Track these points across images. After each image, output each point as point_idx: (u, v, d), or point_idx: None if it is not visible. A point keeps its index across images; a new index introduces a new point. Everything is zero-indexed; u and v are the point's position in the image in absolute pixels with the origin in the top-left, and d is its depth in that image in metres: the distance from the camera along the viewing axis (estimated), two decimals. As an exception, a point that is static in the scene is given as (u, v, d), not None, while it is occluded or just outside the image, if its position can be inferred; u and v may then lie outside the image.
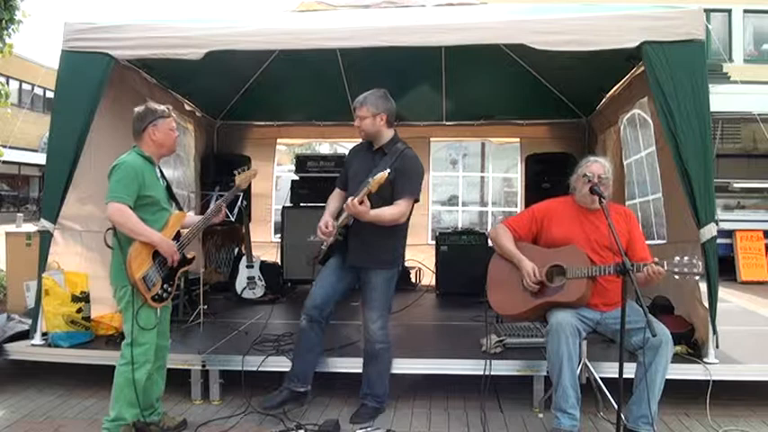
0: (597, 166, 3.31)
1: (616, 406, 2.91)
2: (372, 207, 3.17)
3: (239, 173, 3.50)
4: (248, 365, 3.72)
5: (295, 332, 3.84)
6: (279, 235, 6.74)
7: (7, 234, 5.77)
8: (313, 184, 6.41)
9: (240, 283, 5.94)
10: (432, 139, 7.69)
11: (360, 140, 3.60)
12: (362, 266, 3.41)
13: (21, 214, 18.64)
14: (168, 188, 3.27)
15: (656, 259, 3.01)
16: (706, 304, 3.65)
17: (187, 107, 6.37)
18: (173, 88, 5.76)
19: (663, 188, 4.54)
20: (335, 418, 3.38)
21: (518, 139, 7.56)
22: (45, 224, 3.99)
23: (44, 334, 4.00)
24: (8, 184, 25.20)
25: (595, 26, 3.72)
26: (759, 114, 5.43)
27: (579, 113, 6.94)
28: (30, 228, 6.33)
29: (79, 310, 4.03)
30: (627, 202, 5.58)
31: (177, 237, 3.17)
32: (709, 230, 3.59)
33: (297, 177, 6.75)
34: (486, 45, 3.93)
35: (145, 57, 4.18)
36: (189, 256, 3.23)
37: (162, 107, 3.16)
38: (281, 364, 3.68)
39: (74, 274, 4.10)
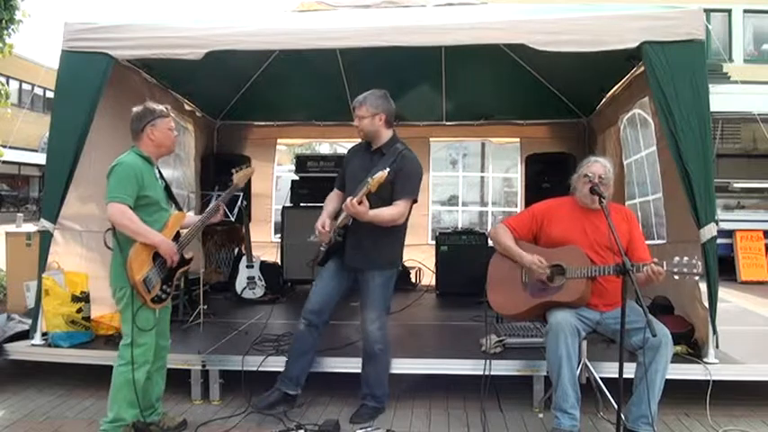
0: (598, 167, 3.31)
1: (616, 406, 2.91)
2: (371, 207, 3.17)
3: (237, 171, 3.50)
4: (248, 365, 3.72)
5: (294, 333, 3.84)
6: (279, 235, 6.74)
7: (7, 234, 5.77)
8: (313, 184, 6.41)
9: (240, 283, 5.95)
10: (432, 139, 7.69)
11: (359, 141, 3.60)
12: (361, 268, 3.41)
13: (21, 214, 18.61)
14: (167, 188, 3.26)
15: (656, 259, 3.01)
16: (706, 304, 3.65)
17: (187, 107, 6.37)
18: (173, 88, 5.76)
19: (663, 188, 4.54)
20: (335, 418, 3.38)
21: (518, 139, 7.56)
22: (45, 224, 3.99)
23: (44, 334, 4.00)
24: (8, 184, 25.19)
25: (595, 26, 3.72)
26: (759, 114, 5.43)
27: (579, 113, 6.94)
28: (30, 228, 6.33)
29: (79, 310, 4.03)
30: (627, 202, 5.58)
31: (177, 237, 3.17)
32: (710, 230, 3.59)
33: (297, 177, 6.75)
34: (487, 45, 3.94)
35: (145, 57, 4.18)
36: (187, 256, 3.23)
37: (160, 107, 3.15)
38: (281, 364, 3.67)
39: (74, 274, 4.10)
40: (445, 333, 4.89)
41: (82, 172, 4.03)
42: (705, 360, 3.61)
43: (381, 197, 3.24)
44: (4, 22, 7.42)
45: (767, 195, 10.59)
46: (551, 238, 3.34)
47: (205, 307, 4.73)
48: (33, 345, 3.98)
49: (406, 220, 3.43)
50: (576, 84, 5.97)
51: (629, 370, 3.05)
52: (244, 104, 6.98)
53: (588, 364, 3.42)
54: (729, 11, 16.74)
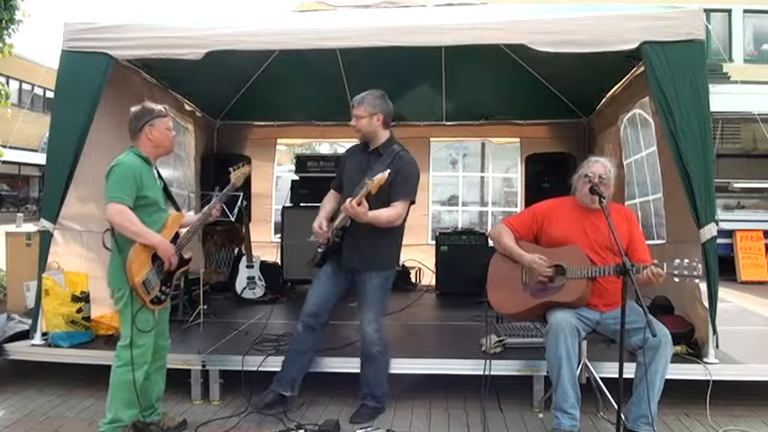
0: (599, 166, 3.31)
1: (616, 406, 2.91)
2: (369, 209, 3.16)
3: (234, 170, 3.49)
4: (248, 365, 3.72)
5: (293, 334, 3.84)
6: (279, 235, 6.74)
7: (7, 234, 5.77)
8: (313, 184, 6.40)
9: (240, 283, 5.95)
10: (432, 139, 7.70)
11: (359, 141, 3.60)
12: (358, 269, 3.41)
13: (21, 214, 18.60)
14: (165, 189, 3.25)
15: (656, 261, 3.01)
16: (706, 304, 3.65)
17: (187, 107, 6.37)
18: (173, 88, 5.76)
19: (664, 187, 4.54)
20: (335, 418, 3.38)
21: (518, 139, 7.56)
22: (45, 224, 3.99)
23: (44, 334, 4.00)
24: (8, 184, 25.19)
25: (595, 27, 3.72)
26: (759, 114, 5.43)
27: (579, 113, 6.94)
28: (30, 228, 6.33)
29: (79, 310, 4.03)
30: (627, 202, 5.58)
31: (175, 238, 3.16)
32: (710, 230, 3.59)
33: (297, 177, 6.75)
34: (487, 45, 3.94)
35: (145, 57, 4.18)
36: (186, 256, 3.22)
37: (159, 107, 3.14)
38: (281, 364, 3.68)
39: (74, 274, 4.10)
40: (445, 333, 4.89)
41: (82, 172, 4.03)
42: (705, 360, 3.61)
43: (379, 198, 3.24)
44: (4, 22, 7.41)
45: (767, 195, 10.58)
46: (552, 238, 3.33)
47: (205, 307, 4.73)
48: (33, 345, 3.98)
49: (404, 221, 3.42)
50: (576, 84, 5.97)
51: (629, 370, 3.05)
52: (244, 104, 6.98)
53: (588, 364, 3.42)
54: (729, 11, 16.74)
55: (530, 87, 6.30)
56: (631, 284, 2.82)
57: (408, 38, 3.83)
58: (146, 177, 3.03)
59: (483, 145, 12.51)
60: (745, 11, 16.90)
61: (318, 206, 3.62)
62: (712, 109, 3.66)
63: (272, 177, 7.83)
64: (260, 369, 3.70)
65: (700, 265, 2.89)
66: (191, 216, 3.41)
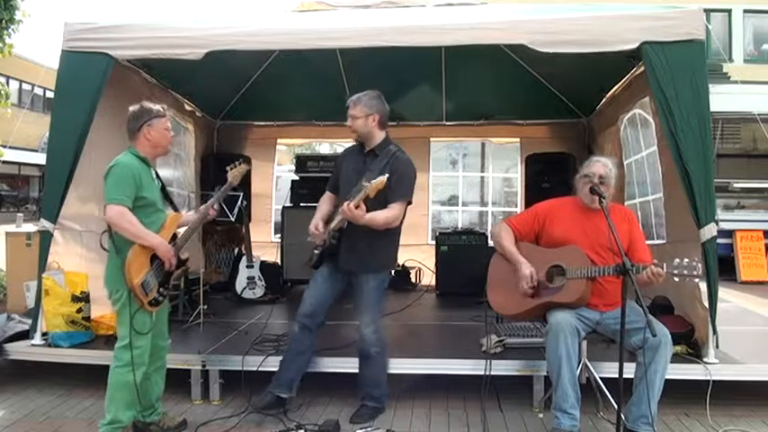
0: (599, 166, 3.31)
1: (616, 406, 2.91)
2: (366, 210, 3.16)
3: (231, 168, 3.49)
4: (248, 365, 3.72)
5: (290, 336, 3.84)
6: (279, 235, 6.74)
7: (7, 234, 5.77)
8: (313, 184, 6.39)
9: (240, 283, 5.95)
10: (432, 139, 7.70)
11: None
12: (355, 271, 3.40)
13: (21, 214, 18.59)
14: (163, 189, 3.24)
15: (656, 261, 3.01)
16: (706, 304, 3.65)
17: (187, 107, 6.37)
18: (173, 88, 5.76)
19: (664, 187, 4.54)
20: (335, 418, 3.38)
21: (518, 139, 7.56)
22: (45, 224, 3.99)
23: (44, 334, 4.00)
24: (8, 184, 25.18)
25: (595, 27, 3.72)
26: (759, 114, 5.43)
27: (579, 113, 6.94)
28: (30, 228, 6.33)
29: (79, 310, 4.03)
30: (627, 202, 5.58)
31: (173, 238, 3.16)
32: (710, 230, 3.59)
33: (297, 177, 6.75)
34: (487, 45, 3.94)
35: (145, 57, 4.18)
36: (183, 257, 3.22)
37: (157, 106, 3.13)
38: (279, 365, 3.67)
39: (74, 274, 4.10)
40: (445, 333, 4.89)
41: (82, 172, 4.03)
42: (705, 360, 3.61)
43: (376, 200, 3.22)
44: (4, 22, 7.41)
45: (767, 195, 10.58)
46: (552, 238, 3.34)
47: (205, 307, 4.73)
48: (33, 345, 3.98)
49: (401, 222, 3.42)
50: (576, 84, 5.97)
51: (629, 370, 3.05)
52: (244, 104, 6.98)
53: (588, 364, 3.42)
54: (729, 11, 16.74)
55: (530, 87, 6.29)
56: (631, 284, 2.82)
57: (408, 38, 3.83)
58: (144, 178, 3.02)
59: (483, 145, 12.50)
60: (745, 11, 16.90)
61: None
62: (712, 109, 3.66)
63: (272, 177, 7.83)
64: (260, 369, 3.70)
65: (699, 265, 2.89)
66: (189, 216, 3.41)
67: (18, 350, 3.98)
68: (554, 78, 6.16)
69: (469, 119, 7.39)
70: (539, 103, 6.72)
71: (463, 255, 6.23)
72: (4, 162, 9.68)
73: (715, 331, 3.66)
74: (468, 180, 14.65)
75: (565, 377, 3.04)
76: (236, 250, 6.73)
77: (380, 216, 3.25)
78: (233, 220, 5.88)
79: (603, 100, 6.11)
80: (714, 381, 3.49)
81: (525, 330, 4.13)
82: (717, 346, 3.69)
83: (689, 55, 3.62)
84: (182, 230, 3.27)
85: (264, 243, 7.21)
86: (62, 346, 3.93)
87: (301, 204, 6.48)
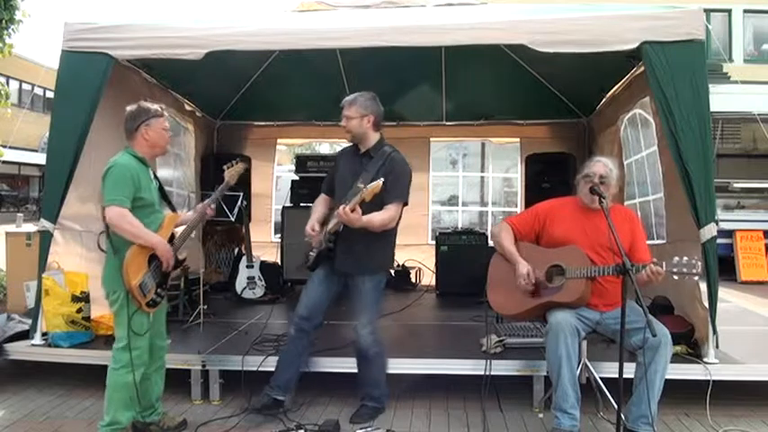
0: (600, 166, 3.31)
1: (616, 406, 2.91)
2: (363, 212, 3.14)
3: (228, 168, 3.48)
4: (248, 365, 3.72)
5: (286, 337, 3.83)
6: (279, 235, 6.74)
7: (7, 234, 5.77)
8: (313, 184, 6.36)
9: (240, 283, 5.95)
10: (432, 139, 7.70)
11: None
12: (351, 273, 3.40)
13: (21, 214, 18.59)
14: (161, 189, 3.24)
15: (656, 260, 3.01)
16: (706, 304, 3.65)
17: (187, 107, 6.37)
18: (173, 88, 5.76)
19: (664, 187, 4.54)
20: (335, 418, 3.38)
21: (518, 139, 7.56)
22: (45, 224, 3.99)
23: (44, 334, 4.00)
24: (8, 184, 25.18)
25: (595, 27, 3.72)
26: (759, 114, 5.42)
27: (579, 113, 6.94)
28: (30, 228, 6.33)
29: (79, 310, 4.03)
30: (627, 202, 5.58)
31: (171, 238, 3.15)
32: (710, 230, 3.59)
33: (297, 177, 6.75)
34: (487, 45, 3.94)
35: (145, 57, 4.18)
36: (180, 257, 3.21)
37: (155, 106, 3.13)
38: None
39: (74, 274, 4.10)
40: (445, 333, 4.89)
41: (82, 172, 4.03)
42: (705, 360, 3.61)
43: (372, 201, 3.20)
44: (4, 22, 7.41)
45: (767, 195, 10.58)
46: (553, 238, 3.34)
47: (205, 307, 4.73)
48: (33, 345, 3.98)
49: (397, 223, 3.41)
50: (576, 84, 5.97)
51: (629, 370, 3.05)
52: (244, 104, 6.98)
53: (588, 364, 3.42)
54: (729, 11, 16.74)
55: (530, 87, 6.30)
56: (631, 284, 2.82)
57: (408, 38, 3.83)
58: (143, 178, 3.01)
59: (483, 145, 12.50)
60: (745, 11, 16.90)
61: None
62: (712, 109, 3.66)
63: (272, 177, 7.83)
64: (260, 369, 3.70)
65: (699, 263, 2.88)
66: (186, 216, 3.41)
67: (18, 350, 3.98)
68: (554, 78, 6.16)
69: (469, 119, 7.38)
70: (539, 103, 6.72)
71: (463, 255, 6.23)
72: (4, 162, 9.68)
73: (715, 331, 3.66)
74: (468, 180, 14.64)
75: (565, 377, 3.04)
76: (236, 250, 6.74)
77: (377, 218, 3.24)
78: (233, 220, 5.88)
79: (603, 100, 6.11)
80: (714, 381, 3.49)
81: (525, 330, 4.13)
82: (717, 346, 3.69)
83: (689, 55, 3.62)
84: (179, 230, 3.26)
85: (264, 243, 7.21)
86: (62, 346, 3.93)
87: (301, 204, 6.48)
